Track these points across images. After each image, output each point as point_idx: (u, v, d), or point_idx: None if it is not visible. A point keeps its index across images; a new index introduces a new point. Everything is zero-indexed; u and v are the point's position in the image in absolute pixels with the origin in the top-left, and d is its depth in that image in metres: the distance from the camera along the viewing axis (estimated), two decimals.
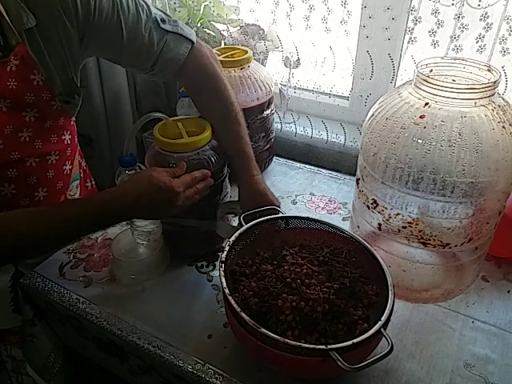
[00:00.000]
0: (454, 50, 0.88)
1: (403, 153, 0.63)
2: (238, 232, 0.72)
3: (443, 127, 0.61)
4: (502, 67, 0.85)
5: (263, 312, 0.62)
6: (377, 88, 1.02)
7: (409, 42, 0.92)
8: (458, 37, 0.87)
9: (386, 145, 0.65)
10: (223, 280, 0.63)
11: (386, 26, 0.95)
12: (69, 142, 0.80)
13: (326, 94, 1.12)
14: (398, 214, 0.69)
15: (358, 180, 0.76)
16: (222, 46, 1.17)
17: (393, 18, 0.93)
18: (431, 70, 0.67)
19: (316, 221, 0.75)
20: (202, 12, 1.15)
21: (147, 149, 0.81)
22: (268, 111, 1.03)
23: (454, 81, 0.66)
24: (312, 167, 1.15)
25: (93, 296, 0.80)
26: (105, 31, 0.72)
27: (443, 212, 0.65)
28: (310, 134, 1.18)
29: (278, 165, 1.16)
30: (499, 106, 0.63)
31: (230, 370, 0.67)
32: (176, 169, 0.73)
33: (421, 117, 0.62)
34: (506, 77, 0.87)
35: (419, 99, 0.64)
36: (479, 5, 0.83)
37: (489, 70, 0.65)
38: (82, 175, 0.92)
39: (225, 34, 1.17)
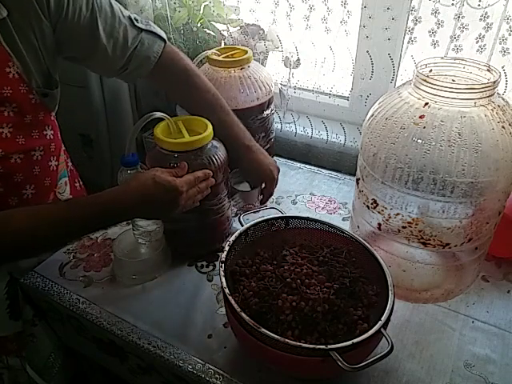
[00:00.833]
0: (454, 50, 0.88)
1: (403, 153, 0.63)
2: (238, 232, 0.72)
3: (443, 127, 0.61)
4: (502, 67, 0.86)
5: (263, 312, 0.62)
6: (377, 88, 1.02)
7: (409, 42, 0.92)
8: (457, 37, 0.87)
9: (385, 145, 0.65)
10: (223, 280, 0.63)
11: (385, 26, 0.95)
12: (51, 137, 0.79)
13: (325, 94, 1.12)
14: (398, 214, 0.69)
15: (357, 180, 0.76)
16: (222, 45, 1.17)
17: (393, 18, 0.93)
18: (431, 70, 0.67)
19: (316, 221, 0.75)
20: (202, 12, 1.15)
21: (147, 149, 0.82)
22: (268, 111, 1.03)
23: (453, 81, 0.66)
24: (312, 167, 1.15)
25: (93, 296, 0.80)
26: (78, 25, 0.72)
27: (443, 212, 0.66)
28: (309, 134, 1.18)
29: (278, 165, 1.16)
30: (499, 106, 0.63)
31: (230, 370, 0.67)
32: (178, 169, 0.73)
33: (420, 117, 0.63)
34: (505, 77, 0.87)
35: (419, 99, 0.64)
36: (479, 5, 0.83)
37: (488, 70, 0.65)
38: (69, 174, 0.91)
39: (225, 33, 1.17)
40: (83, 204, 0.67)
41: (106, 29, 0.75)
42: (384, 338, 0.58)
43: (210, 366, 0.68)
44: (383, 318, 0.58)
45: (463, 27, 0.86)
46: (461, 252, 0.73)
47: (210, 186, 0.76)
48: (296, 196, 1.05)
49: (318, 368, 0.57)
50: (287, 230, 0.76)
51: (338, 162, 1.15)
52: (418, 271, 0.74)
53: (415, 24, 0.89)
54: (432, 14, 0.87)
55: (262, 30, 1.13)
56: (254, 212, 0.84)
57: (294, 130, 1.19)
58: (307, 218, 0.76)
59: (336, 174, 1.12)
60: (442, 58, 0.68)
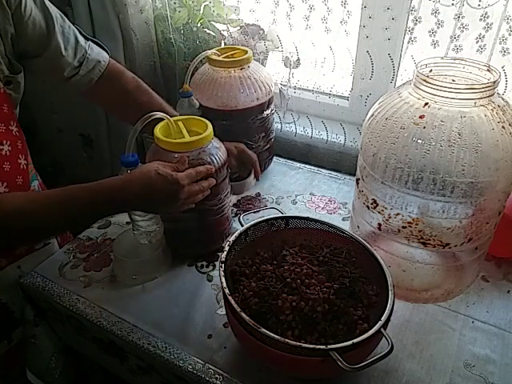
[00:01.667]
0: (454, 50, 0.88)
1: (403, 153, 0.63)
2: (238, 232, 0.72)
3: (443, 127, 0.61)
4: (502, 67, 0.86)
5: (263, 312, 0.62)
6: (377, 88, 1.02)
7: (409, 42, 0.92)
8: (458, 37, 0.87)
9: (385, 145, 0.65)
10: (223, 280, 0.63)
11: (385, 25, 0.95)
12: (17, 134, 0.79)
13: (325, 94, 1.12)
14: (398, 214, 0.69)
15: (357, 180, 0.76)
16: (222, 45, 1.17)
17: (393, 18, 0.93)
18: (431, 70, 0.67)
19: (316, 221, 0.75)
20: (202, 12, 1.15)
21: (147, 149, 0.81)
22: (268, 111, 1.03)
23: (453, 81, 0.66)
24: (312, 167, 1.15)
25: (93, 296, 0.80)
26: (34, 20, 0.74)
27: (443, 212, 0.66)
28: (309, 134, 1.18)
29: (277, 165, 1.16)
30: (499, 106, 0.63)
31: (230, 370, 0.67)
32: (178, 164, 0.73)
33: (420, 117, 0.63)
34: (505, 77, 0.87)
35: (419, 99, 0.64)
36: (479, 5, 0.83)
37: (488, 70, 0.65)
38: (39, 180, 0.90)
39: (225, 33, 1.17)
40: (83, 190, 0.66)
41: (58, 28, 0.78)
42: (384, 338, 0.58)
43: (210, 366, 0.68)
44: (383, 318, 0.58)
45: (463, 27, 0.86)
46: (461, 252, 0.73)
47: (212, 185, 0.76)
48: (296, 196, 1.05)
49: (318, 368, 0.57)
50: (287, 230, 0.76)
51: (338, 162, 1.15)
52: (418, 271, 0.74)
53: (415, 24, 0.89)
54: (432, 14, 0.87)
55: (262, 29, 1.13)
56: (254, 212, 0.84)
57: (294, 130, 1.19)
58: (307, 218, 0.76)
59: (336, 174, 1.12)
60: (442, 58, 0.68)
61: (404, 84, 0.70)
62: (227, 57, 0.99)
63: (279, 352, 0.56)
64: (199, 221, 0.82)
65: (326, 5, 0.98)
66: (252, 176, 0.93)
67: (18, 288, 0.84)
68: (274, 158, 1.15)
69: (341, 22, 0.98)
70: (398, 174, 0.65)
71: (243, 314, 0.58)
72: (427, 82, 0.62)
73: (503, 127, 0.61)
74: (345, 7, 0.96)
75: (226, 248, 0.69)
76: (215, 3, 1.14)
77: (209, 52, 0.98)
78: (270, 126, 1.06)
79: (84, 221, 0.71)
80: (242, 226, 0.74)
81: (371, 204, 0.72)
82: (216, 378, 0.66)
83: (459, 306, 0.76)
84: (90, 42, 0.85)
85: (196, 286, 0.81)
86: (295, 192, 1.06)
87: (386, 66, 1.00)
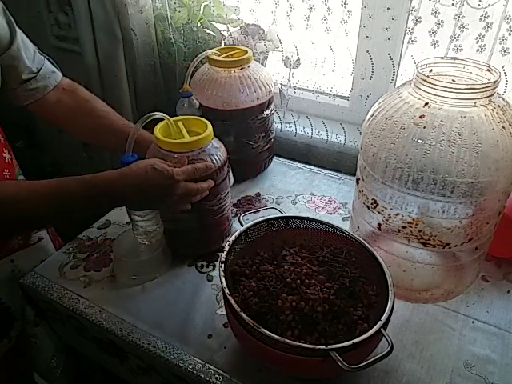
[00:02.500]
0: (454, 50, 0.88)
1: (403, 153, 0.63)
2: (238, 232, 0.72)
3: (443, 127, 0.61)
4: (502, 67, 0.85)
5: (263, 312, 0.62)
6: (377, 88, 1.02)
7: (409, 42, 0.92)
8: (458, 37, 0.87)
9: (385, 145, 0.65)
10: (223, 280, 0.63)
11: (385, 25, 0.95)
12: None
13: (326, 94, 1.12)
14: (398, 214, 0.69)
15: (357, 180, 0.76)
16: (222, 45, 1.17)
17: (393, 18, 0.93)
18: (431, 70, 0.67)
19: (316, 221, 0.75)
20: (202, 12, 1.15)
21: (147, 149, 0.82)
22: (268, 111, 1.03)
23: (453, 81, 0.66)
24: (312, 167, 1.15)
25: (93, 296, 0.80)
26: None
27: (443, 212, 0.66)
28: (309, 134, 1.18)
29: (277, 165, 1.16)
30: (499, 106, 0.63)
31: (230, 370, 0.67)
32: (177, 163, 0.73)
33: (420, 117, 0.63)
34: (506, 77, 0.87)
35: (419, 99, 0.64)
36: (479, 5, 0.83)
37: (488, 70, 0.65)
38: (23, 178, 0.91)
39: (225, 33, 1.17)
40: (78, 182, 0.66)
41: (19, 34, 0.80)
42: (384, 338, 0.58)
43: (210, 366, 0.68)
44: (383, 318, 0.58)
45: (463, 27, 0.86)
46: (461, 252, 0.73)
47: (211, 187, 0.76)
48: (296, 196, 1.05)
49: (318, 368, 0.57)
50: (287, 230, 0.76)
51: (338, 162, 1.15)
52: (418, 271, 0.73)
53: (415, 24, 0.89)
54: (432, 14, 0.87)
55: (262, 29, 1.13)
56: (254, 212, 0.84)
57: (294, 130, 1.19)
58: (307, 218, 0.76)
59: (336, 174, 1.12)
60: (442, 58, 0.68)
61: (404, 84, 0.70)
62: (227, 57, 0.99)
63: (279, 352, 0.56)
64: (199, 221, 0.82)
65: (326, 5, 0.98)
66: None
67: (13, 282, 0.84)
68: (274, 158, 1.15)
69: (341, 22, 0.98)
70: (398, 174, 0.64)
71: (243, 314, 0.58)
72: (427, 82, 0.62)
73: (503, 127, 0.61)
74: (345, 7, 0.96)
75: (226, 248, 0.69)
76: (215, 3, 1.14)
77: (209, 52, 0.98)
78: (269, 126, 1.06)
79: (78, 213, 0.70)
80: (242, 225, 0.74)
81: (371, 204, 0.72)
82: (216, 378, 0.66)
83: (459, 305, 0.76)
84: (45, 58, 0.87)
85: (196, 286, 0.81)
86: (295, 192, 1.06)
87: (386, 66, 1.00)
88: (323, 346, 0.55)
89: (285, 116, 1.19)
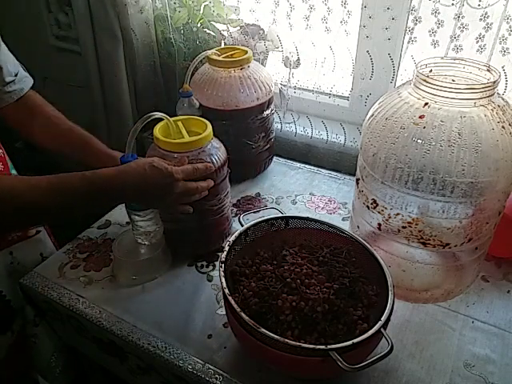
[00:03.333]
0: (454, 49, 0.88)
1: (403, 153, 0.63)
2: (238, 232, 0.72)
3: (443, 127, 0.61)
4: (502, 67, 0.85)
5: (263, 312, 0.62)
6: (377, 88, 1.02)
7: (409, 42, 0.92)
8: (457, 37, 0.87)
9: (385, 145, 0.65)
10: (223, 280, 0.63)
11: (385, 25, 0.94)
12: None
13: (326, 94, 1.12)
14: (398, 214, 0.69)
15: (357, 180, 0.76)
16: (222, 45, 1.17)
17: (393, 18, 0.93)
18: (431, 70, 0.67)
19: (316, 221, 0.75)
20: (202, 12, 1.15)
21: (147, 149, 0.82)
22: (268, 111, 1.03)
23: (453, 81, 0.66)
24: (312, 167, 1.15)
25: (93, 296, 0.80)
26: None
27: (443, 212, 0.65)
28: (309, 134, 1.18)
29: (277, 165, 1.16)
30: (499, 106, 0.63)
31: (230, 370, 0.67)
32: (177, 163, 0.73)
33: (420, 117, 0.62)
34: (505, 77, 0.87)
35: (419, 99, 0.64)
36: (479, 5, 0.83)
37: (488, 70, 0.65)
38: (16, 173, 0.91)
39: (225, 33, 1.17)
40: (79, 178, 0.66)
41: None
42: (384, 338, 0.58)
43: (210, 366, 0.68)
44: (383, 318, 0.58)
45: (463, 27, 0.86)
46: (461, 252, 0.73)
47: (210, 187, 0.76)
48: (296, 196, 1.05)
49: (318, 368, 0.57)
50: (287, 230, 0.76)
51: (337, 162, 1.15)
52: (418, 271, 0.73)
53: (415, 24, 0.89)
54: (432, 13, 0.87)
55: (262, 29, 1.13)
56: (254, 212, 0.84)
57: (294, 130, 1.19)
58: (307, 218, 0.76)
59: (336, 174, 1.12)
60: (442, 57, 0.68)
61: (404, 84, 0.70)
62: (227, 57, 0.99)
63: (279, 352, 0.56)
64: (199, 221, 0.82)
65: (326, 5, 0.98)
66: None
67: (12, 275, 0.85)
68: (274, 158, 1.15)
69: (341, 22, 0.98)
70: (398, 174, 0.64)
71: (243, 314, 0.58)
72: (427, 82, 0.62)
73: (503, 127, 0.61)
74: (345, 7, 0.96)
75: (226, 248, 0.69)
76: (215, 3, 1.14)
77: (209, 52, 0.98)
78: (270, 126, 1.06)
79: (77, 209, 0.69)
80: (242, 226, 0.73)
81: (371, 204, 0.72)
82: (216, 378, 0.66)
83: (459, 305, 0.76)
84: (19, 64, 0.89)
85: (196, 286, 0.81)
86: (295, 192, 1.06)
87: (385, 65, 1.00)
88: (323, 346, 0.55)
89: (285, 116, 1.19)
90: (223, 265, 0.66)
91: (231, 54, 1.00)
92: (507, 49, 0.84)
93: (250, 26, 1.13)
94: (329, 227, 0.74)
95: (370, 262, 0.68)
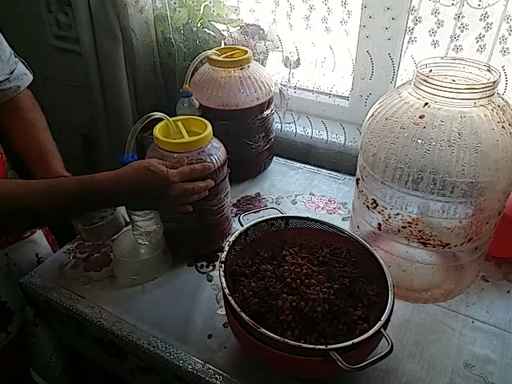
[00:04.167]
0: (454, 49, 0.88)
1: (403, 153, 0.63)
2: (238, 232, 0.72)
3: (443, 127, 0.61)
4: (502, 67, 0.85)
5: (263, 312, 0.62)
6: (377, 88, 1.02)
7: (409, 42, 0.92)
8: (457, 37, 0.87)
9: (385, 145, 0.65)
10: (223, 280, 0.63)
11: (385, 25, 0.94)
12: None
13: (326, 94, 1.12)
14: (398, 214, 0.69)
15: (357, 180, 0.76)
16: (222, 45, 1.17)
17: (393, 18, 0.93)
18: (431, 70, 0.67)
19: (316, 221, 0.75)
20: (202, 12, 1.15)
21: (147, 149, 0.82)
22: (268, 111, 1.03)
23: (453, 81, 0.66)
24: (312, 167, 1.15)
25: (93, 296, 0.80)
26: None
27: (443, 212, 0.66)
28: (309, 134, 1.18)
29: (277, 165, 1.16)
30: (499, 106, 0.63)
31: (230, 370, 0.67)
32: (176, 163, 0.73)
33: (420, 117, 0.63)
34: (505, 77, 0.87)
35: (419, 99, 0.64)
36: (479, 5, 0.83)
37: (488, 70, 0.65)
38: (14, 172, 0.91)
39: (225, 33, 1.17)
40: (76, 181, 0.66)
41: None
42: (384, 338, 0.58)
43: (210, 366, 0.68)
44: (383, 318, 0.58)
45: (463, 27, 0.86)
46: (461, 252, 0.73)
47: (209, 187, 0.76)
48: (296, 196, 1.05)
49: (318, 368, 0.57)
50: (287, 230, 0.76)
51: (337, 162, 1.15)
52: (418, 271, 0.73)
53: (415, 24, 0.89)
54: (432, 13, 0.87)
55: (262, 29, 1.13)
56: (254, 212, 0.84)
57: (294, 130, 1.19)
58: (307, 218, 0.76)
59: (336, 174, 1.12)
60: (442, 58, 0.68)
61: (404, 84, 0.70)
62: (227, 57, 0.99)
63: (279, 352, 0.56)
64: (199, 221, 0.82)
65: (326, 5, 0.98)
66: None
67: (8, 277, 0.85)
68: (274, 158, 1.15)
69: (341, 22, 0.98)
70: (398, 174, 0.64)
71: (243, 314, 0.58)
72: (427, 82, 0.62)
73: (503, 127, 0.61)
74: (345, 7, 0.96)
75: (226, 248, 0.69)
76: (215, 3, 1.14)
77: (209, 52, 0.98)
78: (269, 126, 1.06)
79: (74, 211, 0.70)
80: (242, 226, 0.74)
81: (371, 204, 0.72)
82: (216, 378, 0.66)
83: (459, 305, 0.76)
84: (18, 61, 0.89)
85: (196, 286, 0.81)
86: (295, 192, 1.06)
87: (385, 65, 1.00)
88: (323, 346, 0.55)
89: (285, 116, 1.19)
90: (223, 265, 0.66)
91: (231, 54, 1.00)
92: (507, 49, 0.84)
93: (249, 26, 1.13)
94: (329, 227, 0.74)
95: (370, 262, 0.68)
